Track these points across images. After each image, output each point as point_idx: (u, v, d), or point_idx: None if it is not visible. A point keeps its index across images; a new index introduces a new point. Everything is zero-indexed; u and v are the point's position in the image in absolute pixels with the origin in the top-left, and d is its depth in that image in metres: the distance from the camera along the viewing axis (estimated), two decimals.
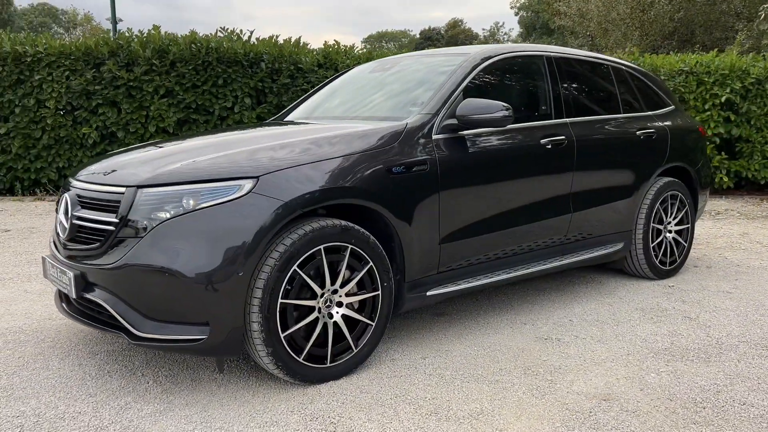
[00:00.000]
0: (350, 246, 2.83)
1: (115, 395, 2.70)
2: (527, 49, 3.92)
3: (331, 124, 3.47)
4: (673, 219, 4.54)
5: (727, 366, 3.00)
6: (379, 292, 2.96)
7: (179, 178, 2.64)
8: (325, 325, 2.81)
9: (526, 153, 3.58)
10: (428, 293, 3.19)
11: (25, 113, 8.58)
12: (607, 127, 4.11)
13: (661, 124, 4.51)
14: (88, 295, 2.73)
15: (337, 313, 2.85)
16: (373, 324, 2.96)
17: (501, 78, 3.80)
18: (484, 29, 74.42)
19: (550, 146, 3.68)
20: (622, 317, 3.71)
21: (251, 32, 9.36)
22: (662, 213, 4.45)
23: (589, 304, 3.96)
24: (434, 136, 3.19)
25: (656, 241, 4.42)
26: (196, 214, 2.55)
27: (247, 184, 2.61)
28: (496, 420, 2.49)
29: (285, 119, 4.21)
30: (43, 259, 3.08)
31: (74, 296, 2.76)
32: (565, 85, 3.95)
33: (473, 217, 3.34)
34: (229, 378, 2.89)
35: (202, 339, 2.54)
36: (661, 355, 3.13)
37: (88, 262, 2.73)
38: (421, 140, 3.14)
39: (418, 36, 65.62)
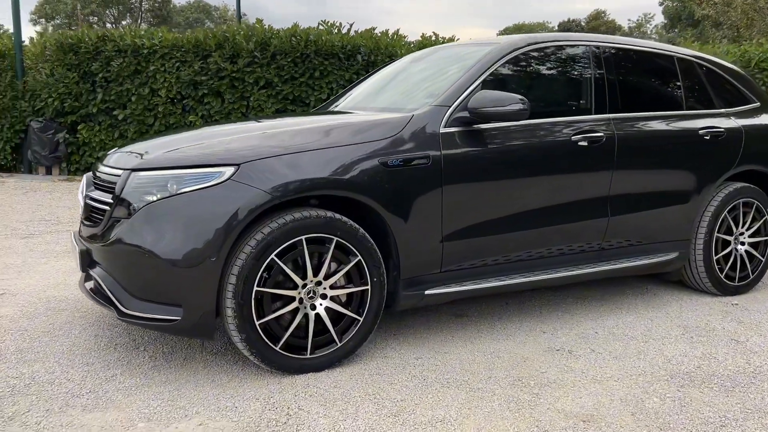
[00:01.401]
0: (335, 238, 2.79)
1: (109, 366, 2.86)
2: (570, 39, 3.65)
3: (341, 115, 3.44)
4: (746, 229, 4.04)
5: (750, 398, 2.63)
6: (368, 287, 2.90)
7: (167, 163, 2.73)
8: (307, 317, 2.80)
9: (551, 150, 3.34)
10: (427, 292, 3.08)
11: (140, 101, 9.29)
12: (659, 124, 3.73)
13: (735, 122, 4.02)
14: (91, 271, 2.92)
15: (321, 305, 2.83)
16: (361, 319, 2.91)
17: (533, 69, 3.56)
18: (629, 20, 70.32)
19: (584, 143, 3.41)
20: (656, 334, 3.36)
21: (351, 25, 9.50)
22: (731, 222, 3.97)
23: (626, 316, 3.64)
24: (442, 129, 3.06)
25: (722, 253, 3.96)
26: (178, 198, 2.63)
27: (228, 171, 2.65)
28: (454, 430, 2.36)
29: (329, 108, 4.23)
30: (72, 234, 3.32)
31: (80, 270, 2.96)
32: (612, 78, 3.63)
33: (485, 215, 3.17)
34: (217, 360, 2.96)
35: (176, 320, 2.62)
36: (678, 379, 2.81)
37: (93, 240, 2.91)
38: (425, 133, 3.02)
39: (556, 28, 63.42)
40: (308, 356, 2.81)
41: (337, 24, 9.55)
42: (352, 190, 2.83)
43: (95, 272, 2.88)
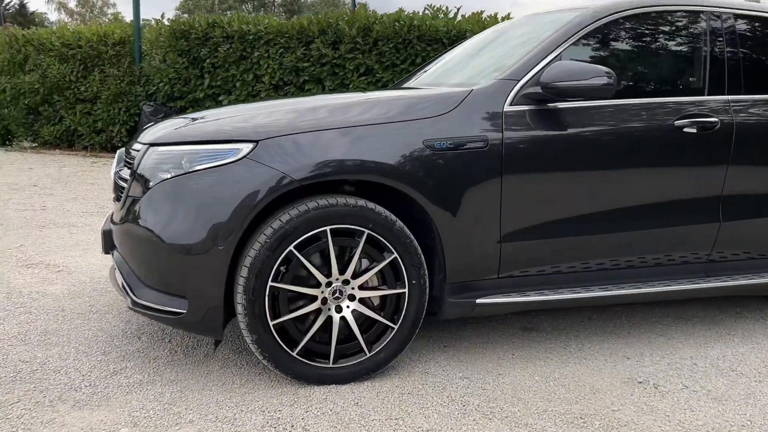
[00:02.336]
0: (367, 231, 2.38)
1: (123, 358, 2.64)
2: (679, 3, 2.98)
3: (400, 91, 3.01)
4: None
5: None
6: (405, 290, 2.47)
7: (183, 137, 2.45)
8: (330, 320, 2.42)
9: (647, 136, 2.71)
10: (479, 301, 2.59)
11: (244, 87, 9.33)
12: None
13: None
14: (110, 254, 2.72)
15: (348, 308, 2.44)
16: (395, 327, 2.49)
17: (628, 40, 2.94)
18: None
19: (692, 130, 2.76)
20: None
21: (458, 9, 9.00)
22: None
23: (739, 346, 2.94)
24: (506, 108, 2.55)
25: None
26: (189, 176, 2.34)
27: (245, 149, 2.32)
28: None
29: (402, 85, 3.81)
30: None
31: (103, 252, 2.77)
32: (733, 52, 2.94)
33: (556, 213, 2.64)
34: (238, 360, 2.66)
35: (181, 314, 2.34)
36: None
37: (113, 220, 2.70)
38: (484, 111, 2.54)
39: None
40: (330, 365, 2.44)
41: (444, 9, 9.09)
42: (389, 175, 2.40)
43: (114, 256, 2.67)
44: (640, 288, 2.80)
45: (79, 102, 10.18)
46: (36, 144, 10.75)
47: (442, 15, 9.00)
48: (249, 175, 2.29)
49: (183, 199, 2.33)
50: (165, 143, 2.46)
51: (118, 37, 10.06)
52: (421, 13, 9.01)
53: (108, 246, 2.74)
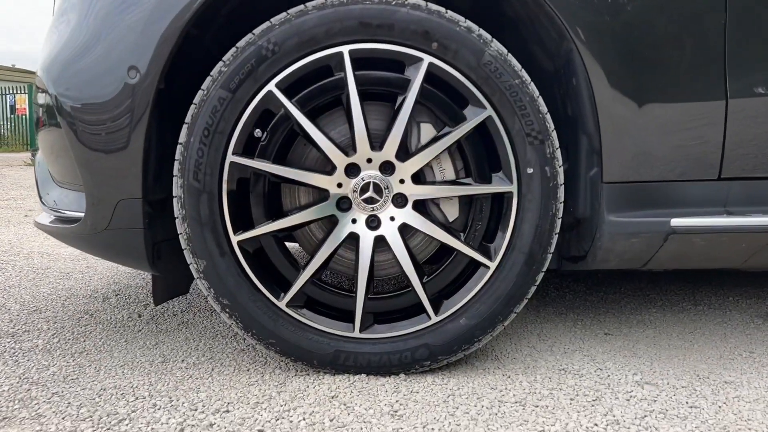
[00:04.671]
0: (428, 58, 1.16)
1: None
2: None
3: None
4: None
5: None
6: (513, 186, 1.19)
7: None
8: (357, 242, 1.21)
9: None
10: (676, 222, 1.22)
11: None
12: None
13: None
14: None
15: (392, 220, 1.21)
16: (491, 266, 1.20)
17: None
18: None
19: None
20: None
21: None
22: None
23: None
24: None
25: None
26: None
27: None
28: None
29: None
30: None
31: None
32: None
33: None
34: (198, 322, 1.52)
35: (80, 218, 1.26)
36: None
37: None
38: None
39: None
40: (355, 335, 1.21)
41: None
42: None
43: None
44: None
45: None
46: None
47: None
48: None
49: (86, 2, 1.26)
50: None
51: None
52: None
53: None
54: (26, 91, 15.92)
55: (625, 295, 1.87)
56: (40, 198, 1.46)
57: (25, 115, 16.05)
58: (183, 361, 1.30)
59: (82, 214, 1.24)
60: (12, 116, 16.52)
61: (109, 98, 1.17)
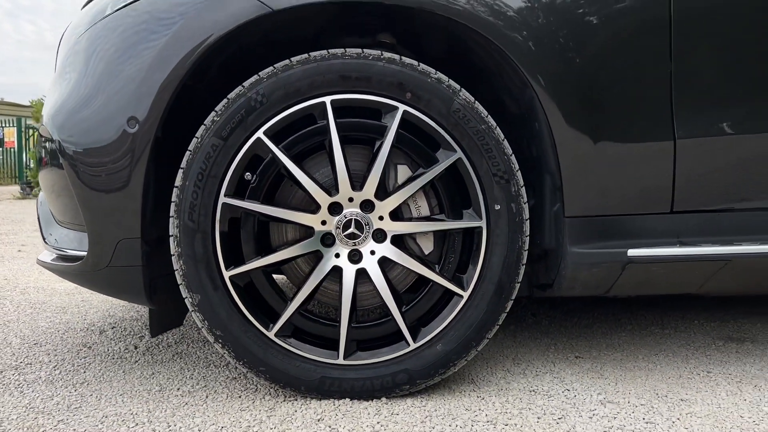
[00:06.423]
0: (402, 106, 1.27)
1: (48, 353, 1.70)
2: None
3: None
4: None
5: None
6: (483, 222, 1.30)
7: None
8: (339, 275, 1.31)
9: None
10: (633, 253, 1.33)
11: None
12: None
13: None
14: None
15: (373, 254, 1.31)
16: (464, 295, 1.31)
17: None
18: None
19: None
20: None
21: None
22: None
23: None
24: None
25: None
26: (104, 22, 1.38)
27: None
28: None
29: None
30: None
31: None
32: None
33: None
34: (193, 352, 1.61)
35: (82, 257, 1.35)
36: None
37: None
38: None
39: None
40: (339, 361, 1.30)
41: None
42: (439, 3, 1.28)
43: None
44: None
45: None
46: None
47: None
48: (187, 1, 1.29)
49: (86, 61, 1.37)
50: None
51: None
52: None
53: None
54: (14, 125, 15.96)
55: (597, 320, 1.97)
56: (43, 237, 1.56)
57: (14, 148, 16.06)
58: (179, 389, 1.39)
59: (84, 253, 1.34)
60: (0, 149, 16.53)
61: (110, 143, 1.28)
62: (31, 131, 15.07)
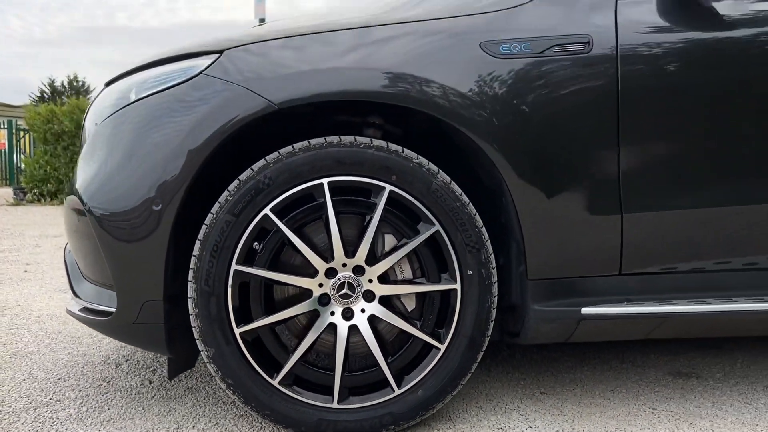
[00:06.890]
0: (388, 186, 1.49)
1: (71, 388, 1.90)
2: None
3: None
4: None
5: None
6: (458, 285, 1.51)
7: (138, 65, 1.73)
8: (334, 332, 1.52)
9: None
10: (586, 311, 1.55)
11: None
12: None
13: None
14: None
15: (363, 312, 1.52)
16: (441, 348, 1.52)
17: None
18: None
19: None
20: None
21: None
22: None
23: None
24: None
25: None
26: (127, 110, 1.59)
27: (203, 63, 1.55)
28: None
29: None
30: None
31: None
32: None
33: (716, 167, 1.57)
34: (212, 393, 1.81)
35: (111, 312, 1.56)
36: None
37: None
38: None
39: None
40: (334, 406, 1.52)
41: None
42: (420, 103, 1.50)
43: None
44: None
45: None
46: None
47: None
48: (205, 97, 1.49)
49: (110, 144, 1.57)
50: (118, 77, 1.76)
51: None
52: None
53: None
54: (5, 126, 16.00)
55: (564, 354, 2.20)
56: (72, 289, 1.76)
57: (4, 149, 16.11)
58: (194, 426, 1.59)
59: (113, 309, 1.54)
60: None
61: (135, 216, 1.48)
62: (21, 133, 15.16)
